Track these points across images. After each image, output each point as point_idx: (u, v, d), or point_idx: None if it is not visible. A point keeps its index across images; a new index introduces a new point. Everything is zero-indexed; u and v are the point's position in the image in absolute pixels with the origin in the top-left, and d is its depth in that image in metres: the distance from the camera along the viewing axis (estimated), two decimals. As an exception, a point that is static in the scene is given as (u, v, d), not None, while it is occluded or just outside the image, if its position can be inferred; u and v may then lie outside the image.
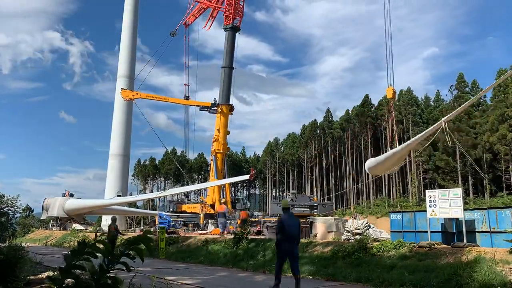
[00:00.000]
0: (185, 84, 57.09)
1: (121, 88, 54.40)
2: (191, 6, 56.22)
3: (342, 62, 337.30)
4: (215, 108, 52.27)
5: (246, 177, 43.31)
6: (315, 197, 48.37)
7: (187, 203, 55.24)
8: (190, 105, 55.96)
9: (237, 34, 53.78)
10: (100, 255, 2.68)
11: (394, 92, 24.27)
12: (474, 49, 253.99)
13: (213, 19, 56.27)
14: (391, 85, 23.80)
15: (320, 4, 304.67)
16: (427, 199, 16.72)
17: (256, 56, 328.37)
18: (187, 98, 55.92)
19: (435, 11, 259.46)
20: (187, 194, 57.80)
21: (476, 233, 16.51)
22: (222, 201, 47.20)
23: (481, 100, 71.26)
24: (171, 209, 54.36)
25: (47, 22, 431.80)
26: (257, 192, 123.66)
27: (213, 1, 54.29)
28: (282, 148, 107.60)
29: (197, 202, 53.35)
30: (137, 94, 51.41)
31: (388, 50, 23.57)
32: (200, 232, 39.12)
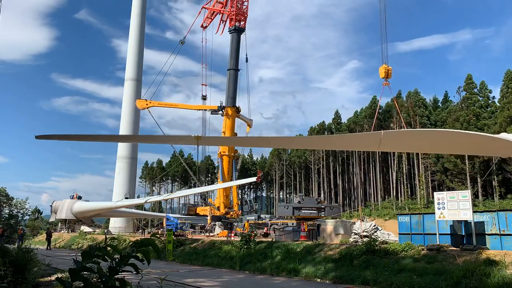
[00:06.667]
0: (202, 84, 57.99)
1: (136, 99, 55.66)
2: (199, 13, 57.12)
3: (272, 73, 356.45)
4: (223, 111, 52.55)
5: (253, 179, 43.40)
6: (323, 200, 48.11)
7: (202, 205, 55.68)
8: (199, 110, 56.52)
9: (242, 35, 54.16)
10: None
11: (387, 71, 19.63)
12: (391, 63, 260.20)
13: (224, 23, 56.68)
14: (385, 62, 19.71)
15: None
16: (436, 202, 16.61)
17: (198, 73, 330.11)
18: (204, 98, 57.07)
19: (329, 28, 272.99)
20: (204, 197, 58.31)
21: (486, 236, 16.35)
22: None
23: (490, 102, 70.72)
24: (183, 212, 54.87)
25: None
26: (264, 195, 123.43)
27: (219, 6, 54.89)
28: (289, 151, 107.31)
29: (208, 205, 53.68)
30: (150, 103, 52.29)
31: (382, 24, 20.29)
32: (207, 234, 39.20)
